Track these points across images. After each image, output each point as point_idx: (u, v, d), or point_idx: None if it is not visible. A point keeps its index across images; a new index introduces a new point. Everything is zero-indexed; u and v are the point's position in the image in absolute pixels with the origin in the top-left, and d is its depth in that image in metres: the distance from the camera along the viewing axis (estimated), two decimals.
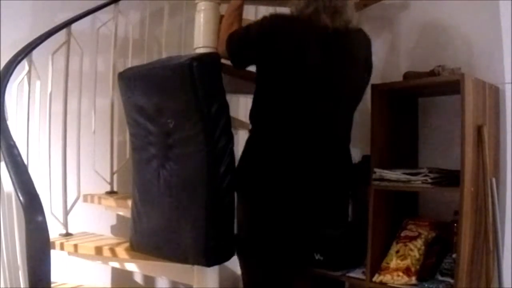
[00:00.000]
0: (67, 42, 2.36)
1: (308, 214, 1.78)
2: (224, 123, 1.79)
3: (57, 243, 2.25)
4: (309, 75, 1.69)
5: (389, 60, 2.34)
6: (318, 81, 1.70)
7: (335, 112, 1.76)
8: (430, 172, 1.82)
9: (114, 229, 2.74)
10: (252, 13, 2.46)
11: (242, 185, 1.78)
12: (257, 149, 1.77)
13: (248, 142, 1.81)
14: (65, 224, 2.38)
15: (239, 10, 1.89)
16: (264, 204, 1.74)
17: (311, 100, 1.71)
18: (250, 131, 1.83)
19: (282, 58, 1.69)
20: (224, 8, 1.92)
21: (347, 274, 2.05)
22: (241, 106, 2.73)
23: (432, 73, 1.90)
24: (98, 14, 2.53)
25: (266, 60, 1.73)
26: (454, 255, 1.78)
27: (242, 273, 1.88)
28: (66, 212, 2.39)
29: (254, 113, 1.79)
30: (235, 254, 1.84)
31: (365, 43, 1.84)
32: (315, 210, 1.79)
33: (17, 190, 1.35)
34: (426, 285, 1.81)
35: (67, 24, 2.35)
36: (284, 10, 2.51)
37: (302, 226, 1.81)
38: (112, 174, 2.58)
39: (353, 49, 1.76)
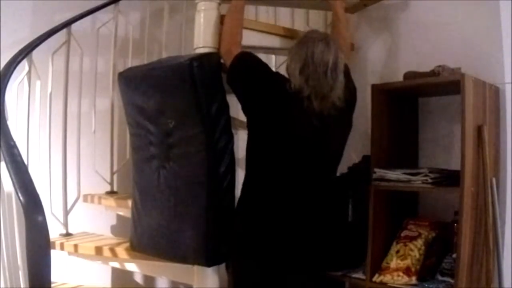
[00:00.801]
0: (67, 42, 2.36)
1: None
2: (224, 123, 1.79)
3: (57, 243, 2.25)
4: (294, 149, 1.78)
5: (389, 60, 2.34)
6: (303, 153, 1.79)
7: (320, 173, 1.86)
8: (430, 172, 1.82)
9: (114, 229, 2.74)
10: (253, 13, 2.46)
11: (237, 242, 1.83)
12: (249, 209, 1.83)
13: (240, 201, 1.86)
14: (65, 224, 2.38)
15: (241, 11, 1.89)
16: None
17: (297, 166, 1.79)
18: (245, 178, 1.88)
19: (273, 125, 1.78)
20: (224, 8, 1.92)
21: (347, 274, 2.05)
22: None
23: (432, 73, 1.90)
24: (98, 14, 2.53)
25: (258, 116, 1.81)
26: (454, 255, 1.78)
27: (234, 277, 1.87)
28: (66, 212, 2.39)
29: (247, 163, 1.87)
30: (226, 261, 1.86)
31: (349, 106, 1.90)
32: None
33: (17, 190, 1.35)
34: (426, 285, 1.81)
35: (67, 24, 2.35)
36: (284, 10, 2.52)
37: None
38: (112, 174, 2.58)
39: (338, 124, 1.85)
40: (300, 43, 1.80)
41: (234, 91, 1.85)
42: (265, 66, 1.87)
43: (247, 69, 1.83)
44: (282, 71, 1.92)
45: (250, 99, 1.82)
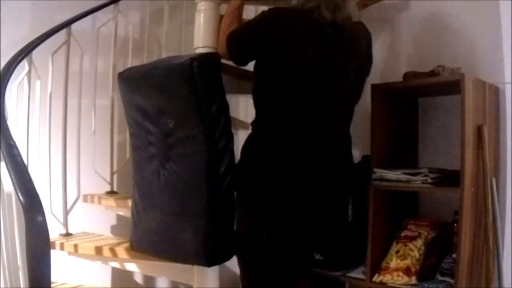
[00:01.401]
0: (67, 42, 2.36)
1: (309, 213, 1.77)
2: (224, 123, 1.79)
3: (57, 243, 2.25)
4: (308, 68, 1.70)
5: (389, 60, 2.34)
6: (318, 74, 1.70)
7: (335, 105, 1.76)
8: (430, 172, 1.83)
9: (114, 229, 2.73)
10: (252, 13, 2.46)
11: (243, 183, 1.77)
12: (258, 145, 1.77)
13: (250, 136, 1.79)
14: (65, 224, 2.38)
15: (239, 10, 1.89)
16: (265, 203, 1.73)
17: (310, 93, 1.71)
18: (252, 124, 1.81)
19: (282, 51, 1.69)
20: (224, 8, 1.92)
21: (347, 274, 2.05)
22: (241, 106, 2.73)
23: (432, 73, 1.91)
24: (98, 14, 2.52)
25: (265, 53, 1.73)
26: (454, 255, 1.78)
27: (241, 274, 1.87)
28: (66, 212, 2.39)
29: (256, 102, 1.78)
30: (235, 255, 1.83)
31: (365, 36, 1.83)
32: (316, 209, 1.77)
33: (17, 190, 1.35)
34: (426, 285, 1.81)
35: (67, 24, 2.34)
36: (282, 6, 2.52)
37: (304, 226, 1.79)
38: (112, 174, 2.57)
39: (353, 43, 1.76)
40: None
41: (246, 59, 1.81)
42: (254, 19, 1.81)
43: (242, 36, 1.80)
44: None
45: (263, 46, 1.72)
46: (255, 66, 1.78)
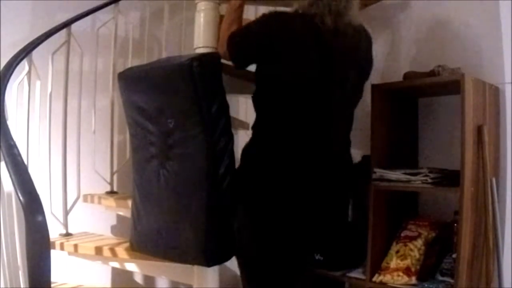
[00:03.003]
0: (67, 42, 2.36)
1: (309, 214, 1.77)
2: (224, 123, 1.78)
3: (57, 243, 2.25)
4: (309, 75, 1.70)
5: (389, 60, 2.34)
6: (317, 79, 1.70)
7: (335, 110, 1.76)
8: (430, 172, 1.83)
9: (114, 229, 2.74)
10: (252, 13, 2.46)
11: (244, 187, 1.77)
12: (259, 148, 1.77)
13: (251, 140, 1.79)
14: (65, 224, 2.38)
15: (239, 10, 1.89)
16: (266, 206, 1.73)
17: (311, 98, 1.71)
18: (253, 128, 1.81)
19: (282, 56, 1.69)
20: (224, 8, 1.92)
21: (347, 274, 2.05)
22: (241, 106, 2.73)
23: (432, 73, 1.91)
24: (98, 14, 2.53)
25: (265, 58, 1.73)
26: (454, 255, 1.78)
27: (242, 274, 1.87)
28: (66, 212, 2.39)
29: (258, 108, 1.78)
30: (235, 256, 1.83)
31: (366, 40, 1.82)
32: (316, 211, 1.77)
33: (17, 190, 1.35)
34: (426, 285, 1.81)
35: (67, 24, 2.35)
36: (284, 10, 2.52)
37: (304, 227, 1.79)
38: (112, 174, 2.58)
39: (354, 50, 1.76)
40: None
41: (246, 62, 1.81)
42: (254, 21, 1.80)
43: (242, 38, 1.79)
44: None
45: (263, 51, 1.72)
46: (256, 71, 1.78)
